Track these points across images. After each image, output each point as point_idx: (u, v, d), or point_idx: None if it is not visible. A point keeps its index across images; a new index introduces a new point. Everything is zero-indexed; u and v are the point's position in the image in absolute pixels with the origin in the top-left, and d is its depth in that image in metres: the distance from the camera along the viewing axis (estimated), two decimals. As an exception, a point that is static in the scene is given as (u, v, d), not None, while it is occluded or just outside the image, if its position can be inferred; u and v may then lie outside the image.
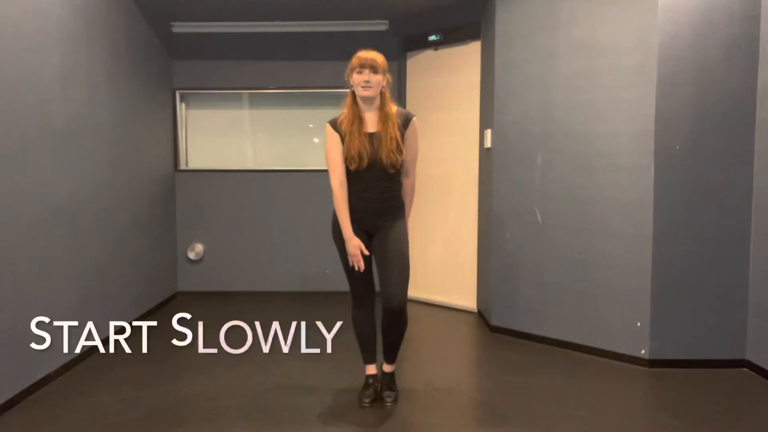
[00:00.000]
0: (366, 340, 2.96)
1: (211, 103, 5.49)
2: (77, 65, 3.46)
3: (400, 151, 2.70)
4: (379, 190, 2.77)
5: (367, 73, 2.67)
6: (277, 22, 4.75)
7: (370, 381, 2.97)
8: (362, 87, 2.68)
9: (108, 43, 3.88)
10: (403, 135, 2.73)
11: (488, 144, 4.17)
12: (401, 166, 2.77)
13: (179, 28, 4.76)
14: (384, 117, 2.72)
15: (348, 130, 2.72)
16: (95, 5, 3.69)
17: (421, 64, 4.96)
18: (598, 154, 3.55)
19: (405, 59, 5.07)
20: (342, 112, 2.79)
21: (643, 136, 3.36)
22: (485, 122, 4.32)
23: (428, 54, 4.90)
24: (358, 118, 2.73)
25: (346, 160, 2.73)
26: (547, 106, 3.76)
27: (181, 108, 5.36)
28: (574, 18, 3.61)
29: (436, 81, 4.84)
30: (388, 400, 2.89)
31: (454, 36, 4.67)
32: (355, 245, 2.76)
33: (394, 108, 2.77)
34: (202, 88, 5.33)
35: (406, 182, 2.88)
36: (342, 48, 5.07)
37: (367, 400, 2.88)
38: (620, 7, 3.42)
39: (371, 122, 2.74)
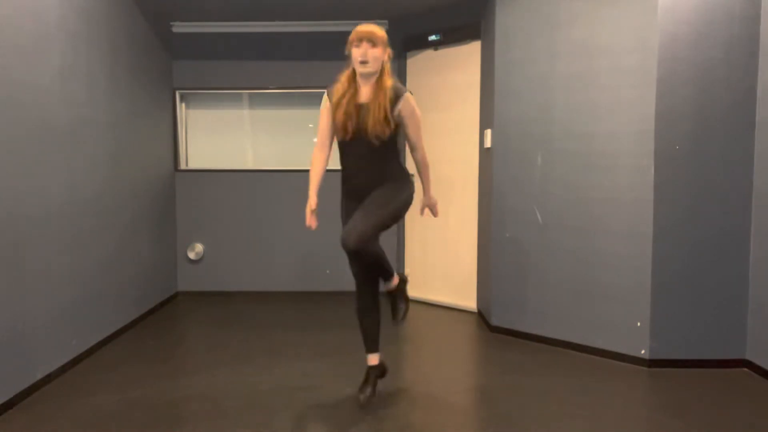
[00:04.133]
0: (365, 328, 2.91)
1: (211, 103, 5.49)
2: (77, 65, 3.46)
3: (388, 123, 2.64)
4: (369, 164, 2.72)
5: (364, 46, 2.63)
6: (277, 22, 4.76)
7: (370, 375, 2.94)
8: (360, 62, 2.64)
9: (108, 43, 3.88)
10: (393, 108, 2.66)
11: (488, 144, 4.18)
12: (390, 141, 2.69)
13: (179, 28, 4.76)
14: (377, 88, 2.68)
15: (337, 101, 2.72)
16: (95, 5, 3.69)
17: (421, 64, 4.96)
18: (598, 154, 3.55)
19: (405, 59, 5.07)
20: (338, 79, 2.77)
21: (643, 136, 3.37)
22: (485, 122, 4.32)
23: (428, 54, 4.90)
24: (352, 90, 2.71)
25: (334, 131, 2.76)
26: (547, 106, 3.76)
27: (181, 108, 5.37)
28: (574, 18, 3.61)
29: (436, 81, 4.84)
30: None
31: (454, 36, 4.67)
32: (308, 205, 2.81)
33: (390, 82, 2.71)
34: (202, 88, 5.33)
35: (415, 157, 2.83)
36: (342, 48, 5.09)
37: (362, 396, 2.84)
38: (620, 7, 3.42)
39: (365, 94, 2.71)
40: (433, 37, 4.78)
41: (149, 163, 4.71)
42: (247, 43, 5.03)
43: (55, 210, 3.21)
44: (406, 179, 2.83)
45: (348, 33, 4.80)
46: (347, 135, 2.70)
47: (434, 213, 3.06)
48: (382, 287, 2.91)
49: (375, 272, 2.84)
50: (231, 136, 5.52)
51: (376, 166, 2.73)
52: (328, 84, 5.46)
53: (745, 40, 3.27)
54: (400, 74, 5.04)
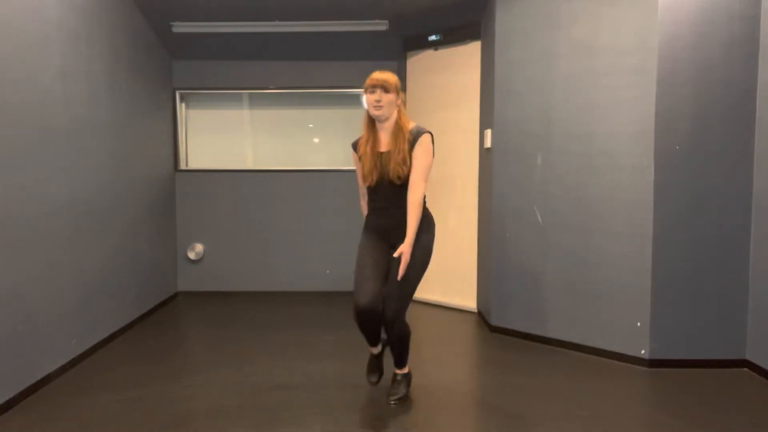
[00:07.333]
0: (367, 332, 2.88)
1: (211, 103, 5.49)
2: (77, 65, 3.46)
3: (407, 163, 2.73)
4: (393, 207, 2.80)
5: (378, 93, 2.75)
6: (277, 22, 4.76)
7: (374, 360, 3.03)
8: (374, 107, 2.76)
9: (108, 43, 3.88)
10: (412, 150, 2.76)
11: (488, 144, 4.18)
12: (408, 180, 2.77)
13: (179, 28, 4.76)
14: (396, 132, 2.78)
15: (363, 150, 2.84)
16: (95, 5, 3.69)
17: (421, 64, 4.96)
18: (598, 154, 3.55)
19: (405, 59, 5.07)
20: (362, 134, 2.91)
21: (643, 136, 3.37)
22: (485, 122, 4.32)
23: (428, 54, 4.90)
24: (372, 138, 2.84)
25: (363, 178, 2.86)
26: (547, 106, 3.76)
27: (181, 108, 5.37)
28: (574, 18, 3.61)
29: (436, 81, 4.84)
30: (392, 398, 2.91)
31: (454, 36, 4.68)
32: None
33: (410, 125, 2.82)
34: (202, 88, 5.33)
35: (409, 198, 2.72)
36: (342, 48, 5.11)
37: (373, 379, 3.01)
38: (620, 7, 3.42)
39: (384, 142, 2.83)
40: (433, 37, 4.78)
41: (149, 163, 4.71)
42: (247, 43, 5.03)
43: (55, 210, 3.21)
44: (428, 222, 2.87)
45: (348, 33, 4.84)
46: (373, 182, 2.81)
47: (400, 266, 2.66)
48: (393, 367, 3.05)
49: (397, 347, 2.92)
50: (231, 136, 5.52)
51: (401, 206, 2.77)
52: (328, 84, 5.47)
53: (745, 40, 3.27)
54: (400, 74, 5.04)
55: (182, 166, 5.39)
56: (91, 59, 3.65)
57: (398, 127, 2.78)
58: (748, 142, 3.31)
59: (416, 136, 2.76)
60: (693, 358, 3.40)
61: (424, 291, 5.00)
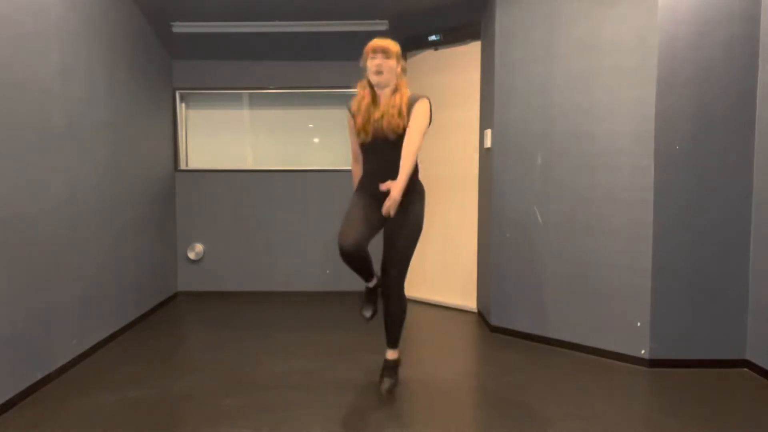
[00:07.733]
0: (356, 269, 2.83)
1: (211, 103, 5.49)
2: (77, 65, 3.46)
3: (402, 117, 2.72)
4: (388, 164, 2.75)
5: (379, 58, 2.74)
6: (277, 22, 4.76)
7: (368, 293, 2.99)
8: (374, 72, 2.75)
9: (108, 43, 3.88)
10: (410, 111, 2.75)
11: (488, 144, 4.18)
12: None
13: (179, 28, 4.76)
14: (393, 93, 2.78)
15: (356, 107, 2.83)
16: (95, 5, 3.69)
17: (421, 64, 4.96)
18: (598, 154, 3.55)
19: (405, 59, 5.06)
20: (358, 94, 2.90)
21: (643, 136, 3.37)
22: (485, 122, 4.32)
23: (428, 54, 4.90)
24: (369, 97, 2.81)
25: (357, 135, 2.83)
26: (547, 105, 3.76)
27: (181, 108, 5.37)
28: (574, 18, 3.61)
29: (436, 81, 4.84)
30: (383, 386, 2.92)
31: (454, 36, 4.68)
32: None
33: (408, 92, 2.81)
34: (202, 88, 5.33)
35: (403, 148, 2.70)
36: (342, 48, 5.11)
37: (368, 313, 2.95)
38: (620, 7, 3.42)
39: (382, 103, 2.81)
40: (433, 37, 4.78)
41: (149, 163, 4.71)
42: (247, 43, 5.03)
43: (55, 210, 3.21)
44: (420, 194, 2.89)
45: (348, 33, 4.84)
46: (367, 137, 2.79)
47: (386, 203, 2.61)
48: (385, 354, 3.10)
49: (392, 321, 2.98)
50: (231, 136, 5.52)
51: (395, 170, 2.73)
52: (328, 84, 5.47)
53: (745, 40, 3.27)
54: (400, 74, 5.04)
55: (182, 166, 5.39)
56: (91, 59, 3.65)
57: (396, 89, 2.79)
58: (748, 142, 3.31)
59: (414, 100, 2.76)
60: (693, 358, 3.40)
61: (425, 291, 5.00)
